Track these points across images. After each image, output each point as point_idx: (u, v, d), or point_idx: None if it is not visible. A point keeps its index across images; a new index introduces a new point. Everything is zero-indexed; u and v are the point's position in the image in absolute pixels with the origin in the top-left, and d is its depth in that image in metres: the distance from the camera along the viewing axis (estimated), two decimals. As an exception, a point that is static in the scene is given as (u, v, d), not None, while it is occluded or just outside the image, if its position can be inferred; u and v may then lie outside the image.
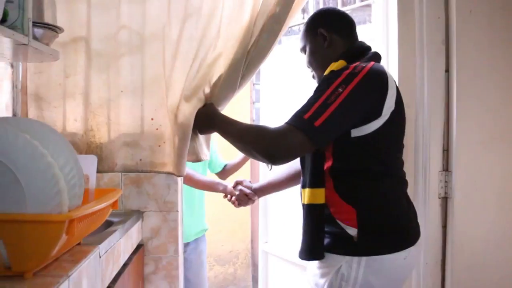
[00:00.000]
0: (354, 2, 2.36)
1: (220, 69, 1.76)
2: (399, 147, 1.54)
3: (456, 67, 1.93)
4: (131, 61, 1.80)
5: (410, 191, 1.59)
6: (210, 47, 1.75)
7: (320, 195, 1.46)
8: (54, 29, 1.47)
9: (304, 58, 1.67)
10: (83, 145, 1.84)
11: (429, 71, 1.96)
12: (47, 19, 1.45)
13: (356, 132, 1.40)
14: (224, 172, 2.96)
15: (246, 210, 4.38)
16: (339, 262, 1.42)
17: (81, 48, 1.80)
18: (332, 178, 1.45)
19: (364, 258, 1.39)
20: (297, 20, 3.00)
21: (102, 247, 1.34)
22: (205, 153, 1.85)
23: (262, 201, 3.26)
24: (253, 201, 2.27)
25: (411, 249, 1.46)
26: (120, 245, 1.57)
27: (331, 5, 2.60)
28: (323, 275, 1.47)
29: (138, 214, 1.89)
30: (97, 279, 1.28)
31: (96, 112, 1.84)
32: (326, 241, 1.47)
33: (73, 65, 1.81)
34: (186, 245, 2.71)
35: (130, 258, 1.75)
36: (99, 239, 1.37)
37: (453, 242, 1.94)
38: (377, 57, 1.56)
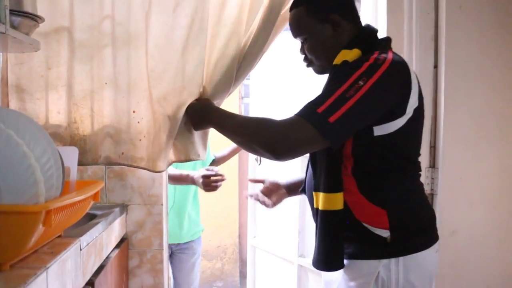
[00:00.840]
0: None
1: (212, 61, 1.71)
2: (420, 143, 1.44)
3: (445, 63, 1.92)
4: (115, 52, 1.76)
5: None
6: (200, 35, 1.71)
7: (337, 201, 1.32)
8: (34, 18, 1.43)
9: (296, 46, 1.52)
10: (67, 138, 1.81)
11: (417, 67, 1.95)
12: (27, 8, 1.41)
13: (378, 131, 1.28)
14: (213, 165, 2.87)
15: (233, 205, 4.37)
16: (375, 268, 1.31)
17: (63, 38, 1.76)
18: (356, 180, 1.33)
19: (401, 259, 1.30)
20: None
21: (84, 239, 1.32)
22: (198, 153, 1.77)
23: (249, 199, 3.24)
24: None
25: (439, 241, 1.41)
26: (103, 238, 1.55)
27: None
28: (361, 287, 1.34)
29: (122, 207, 1.87)
30: (78, 271, 1.26)
31: (79, 104, 1.80)
32: (351, 248, 1.35)
33: (56, 56, 1.76)
34: (177, 245, 2.67)
35: (113, 252, 1.73)
36: (80, 232, 1.35)
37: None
38: (390, 43, 1.43)
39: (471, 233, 1.96)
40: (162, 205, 1.90)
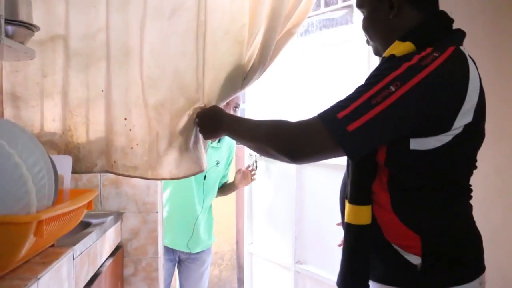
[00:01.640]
0: (337, 3, 2.36)
1: (214, 67, 1.70)
2: (474, 160, 1.24)
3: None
4: (109, 59, 1.75)
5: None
6: (197, 42, 1.71)
7: (364, 214, 1.16)
8: (29, 27, 1.44)
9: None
10: (61, 145, 1.81)
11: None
12: (22, 17, 1.41)
13: (415, 145, 1.09)
14: (220, 189, 2.79)
15: (231, 212, 4.36)
16: None
17: (59, 46, 1.76)
18: (390, 195, 1.15)
19: None
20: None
21: (77, 248, 1.32)
22: (205, 162, 1.77)
23: (247, 202, 3.25)
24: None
25: (485, 273, 1.21)
26: (97, 246, 1.54)
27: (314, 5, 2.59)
28: None
29: (117, 215, 1.87)
30: (71, 281, 1.26)
31: (74, 112, 1.80)
32: (377, 269, 1.18)
33: (51, 64, 1.77)
34: (187, 254, 2.63)
35: (108, 260, 1.72)
36: (74, 241, 1.35)
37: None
38: (460, 37, 1.22)
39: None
40: (157, 212, 1.90)
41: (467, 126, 1.10)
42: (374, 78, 1.08)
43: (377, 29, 1.25)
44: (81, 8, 1.76)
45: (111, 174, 1.81)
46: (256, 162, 2.97)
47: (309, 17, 2.57)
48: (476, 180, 1.95)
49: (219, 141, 2.64)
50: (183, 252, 2.60)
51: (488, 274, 1.96)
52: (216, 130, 1.52)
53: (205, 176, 2.57)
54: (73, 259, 1.28)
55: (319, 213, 2.54)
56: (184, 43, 1.71)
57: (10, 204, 0.93)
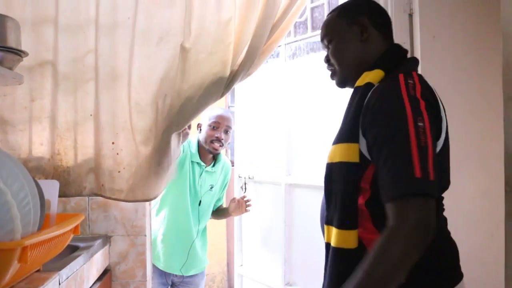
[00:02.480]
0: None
1: (201, 85, 1.76)
2: (448, 177, 1.30)
3: (421, 91, 1.96)
4: (98, 84, 1.79)
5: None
6: (184, 66, 1.75)
7: (351, 238, 1.16)
8: (17, 52, 1.46)
9: (322, 52, 1.38)
10: (50, 169, 1.82)
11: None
12: (11, 43, 1.44)
13: None
14: (214, 212, 2.80)
15: (222, 233, 4.35)
16: None
17: (47, 71, 1.78)
18: (371, 215, 1.16)
19: None
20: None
21: (63, 273, 1.32)
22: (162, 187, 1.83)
23: (237, 224, 3.25)
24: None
25: (463, 280, 1.25)
26: (84, 270, 1.54)
27: (301, 28, 2.64)
28: None
29: (105, 238, 1.86)
30: (57, 306, 1.25)
31: (63, 136, 1.82)
32: None
33: (40, 89, 1.79)
34: (181, 277, 2.61)
35: (95, 284, 1.72)
36: (60, 265, 1.35)
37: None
38: (416, 63, 1.31)
39: (460, 247, 1.97)
40: (145, 235, 1.90)
41: (444, 144, 1.18)
42: (396, 120, 1.08)
43: (349, 51, 1.29)
44: (70, 33, 1.79)
45: (100, 197, 1.83)
46: (245, 184, 2.98)
47: (296, 41, 2.62)
48: (463, 202, 1.99)
49: (213, 165, 2.64)
50: (176, 275, 2.58)
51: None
52: None
53: (200, 201, 2.57)
54: (59, 284, 1.28)
55: (308, 235, 2.54)
56: (170, 68, 1.75)
57: (-5, 230, 0.94)
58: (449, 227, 1.89)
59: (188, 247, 2.55)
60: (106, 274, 1.86)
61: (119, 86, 1.78)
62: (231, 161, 3.03)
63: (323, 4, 2.44)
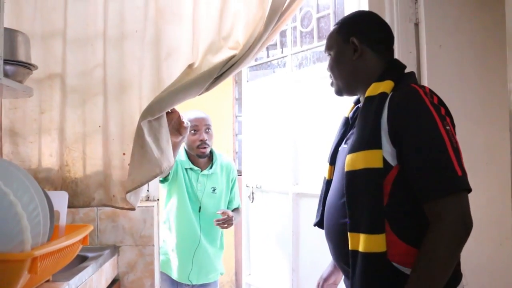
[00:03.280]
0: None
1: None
2: None
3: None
4: (107, 96, 1.81)
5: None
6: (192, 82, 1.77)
7: (382, 242, 1.20)
8: (27, 66, 1.49)
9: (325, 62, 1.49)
10: (58, 180, 1.84)
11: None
12: (21, 56, 1.46)
13: None
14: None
15: (230, 242, 4.35)
16: None
17: (56, 84, 1.81)
18: (388, 219, 1.22)
19: None
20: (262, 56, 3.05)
21: (72, 283, 1.33)
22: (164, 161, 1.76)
23: (244, 233, 3.25)
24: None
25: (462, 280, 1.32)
26: (93, 281, 1.55)
27: (307, 38, 2.65)
28: None
29: (113, 248, 1.88)
30: (66, 317, 1.26)
31: (71, 147, 1.84)
32: None
33: (49, 101, 1.82)
34: (191, 286, 2.60)
35: (104, 294, 1.73)
36: (69, 275, 1.36)
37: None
38: (415, 78, 1.42)
39: (462, 266, 1.96)
40: (153, 245, 1.91)
41: None
42: (429, 124, 1.19)
43: (341, 69, 1.41)
44: (78, 46, 1.82)
45: (108, 207, 1.84)
46: (253, 193, 2.99)
47: (302, 51, 2.64)
48: (471, 210, 1.98)
49: (210, 167, 2.63)
50: (187, 285, 2.58)
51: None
52: None
53: (199, 208, 2.57)
54: (68, 294, 1.29)
55: (315, 244, 2.54)
56: (179, 83, 1.77)
57: (5, 241, 0.96)
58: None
59: (192, 254, 2.55)
60: (114, 284, 1.87)
61: (128, 97, 1.81)
62: (238, 170, 3.04)
63: (329, 14, 2.46)
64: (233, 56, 1.73)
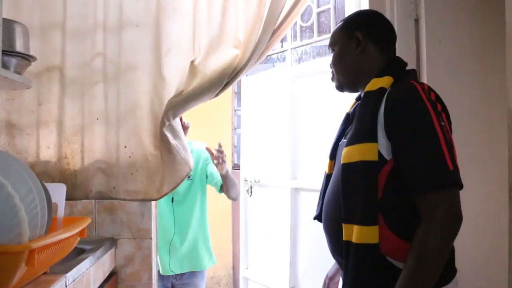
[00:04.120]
0: (330, 31, 2.41)
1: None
2: None
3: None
4: (106, 88, 1.81)
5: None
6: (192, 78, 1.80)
7: (375, 234, 1.22)
8: (26, 57, 1.48)
9: (328, 57, 1.50)
10: (57, 173, 1.84)
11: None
12: (19, 48, 1.46)
13: None
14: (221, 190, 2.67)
15: (227, 236, 4.36)
16: None
17: (55, 76, 1.81)
18: (382, 212, 1.23)
19: None
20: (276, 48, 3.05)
21: (70, 275, 1.33)
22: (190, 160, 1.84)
23: (242, 227, 3.25)
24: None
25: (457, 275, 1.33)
26: (90, 273, 1.55)
27: (307, 33, 2.65)
28: None
29: (111, 241, 1.88)
30: (63, 309, 1.27)
31: (70, 139, 1.84)
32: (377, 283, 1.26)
33: (47, 93, 1.81)
34: (179, 276, 2.59)
35: (102, 286, 1.73)
36: (66, 268, 1.36)
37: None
38: (416, 75, 1.45)
39: (459, 261, 1.97)
40: (151, 239, 1.91)
41: None
42: (424, 119, 1.20)
43: (344, 63, 1.43)
44: (78, 38, 1.82)
45: (107, 200, 1.85)
46: (251, 187, 2.99)
47: (302, 45, 2.63)
48: (467, 206, 1.98)
49: None
50: (174, 277, 2.59)
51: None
52: None
53: (172, 198, 2.52)
54: (66, 286, 1.29)
55: (313, 239, 2.55)
56: (179, 77, 1.79)
57: (2, 233, 0.95)
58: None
59: (168, 244, 2.54)
60: (112, 276, 1.87)
61: (128, 91, 1.81)
62: (236, 164, 3.02)
63: (329, 9, 2.45)
64: (236, 57, 1.74)
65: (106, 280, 1.79)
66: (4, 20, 1.35)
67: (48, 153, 1.84)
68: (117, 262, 1.92)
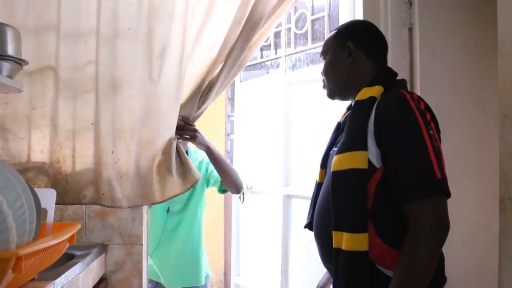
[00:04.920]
0: (323, 39, 2.39)
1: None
2: None
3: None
4: (98, 94, 1.80)
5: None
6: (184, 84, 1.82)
7: (364, 241, 1.23)
8: (18, 61, 1.47)
9: (320, 65, 1.53)
10: (49, 177, 1.82)
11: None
12: (11, 51, 1.45)
13: None
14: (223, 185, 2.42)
15: (219, 242, 4.35)
16: None
17: (48, 80, 1.80)
18: (372, 219, 1.24)
19: None
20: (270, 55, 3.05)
21: (58, 282, 1.32)
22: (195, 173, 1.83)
23: (234, 233, 3.24)
24: None
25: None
26: (79, 279, 1.54)
27: (301, 40, 2.65)
28: None
29: (101, 247, 1.86)
30: (51, 316, 1.25)
31: (63, 144, 1.83)
32: None
33: (40, 97, 1.80)
34: None
35: (91, 293, 1.72)
36: (55, 274, 1.35)
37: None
38: (406, 85, 1.46)
39: (450, 271, 1.97)
40: (141, 245, 1.90)
41: None
42: (413, 128, 1.22)
43: (335, 72, 1.46)
44: (72, 42, 1.80)
45: (98, 206, 1.83)
46: (243, 194, 2.99)
47: (296, 52, 2.64)
48: (458, 214, 1.98)
49: None
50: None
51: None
52: None
53: (168, 209, 2.38)
54: (54, 293, 1.28)
55: (305, 245, 2.54)
56: (169, 82, 1.78)
57: (-11, 240, 0.94)
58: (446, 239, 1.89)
59: (151, 254, 2.35)
60: (102, 282, 1.85)
61: (119, 96, 1.79)
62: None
63: (323, 16, 2.46)
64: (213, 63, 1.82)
65: (95, 286, 1.78)
66: (-4, 23, 1.35)
67: (41, 157, 1.83)
68: (107, 268, 1.91)
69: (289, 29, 2.68)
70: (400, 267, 1.17)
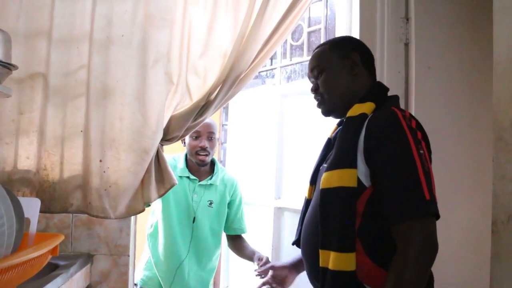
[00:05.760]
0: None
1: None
2: None
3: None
4: (89, 101, 1.77)
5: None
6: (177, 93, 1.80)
7: (352, 261, 1.21)
8: (6, 66, 1.44)
9: (308, 82, 1.47)
10: (35, 184, 1.78)
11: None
12: (0, 56, 1.42)
13: None
14: (235, 240, 2.52)
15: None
16: None
17: (38, 85, 1.76)
18: (361, 240, 1.22)
19: None
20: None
21: (39, 295, 1.28)
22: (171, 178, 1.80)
23: (223, 245, 3.21)
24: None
25: None
26: (62, 291, 1.50)
27: (297, 52, 2.64)
28: None
29: (87, 257, 1.83)
30: (30, 330, 1.22)
31: (51, 151, 1.79)
32: None
33: (29, 102, 1.76)
34: None
35: (74, 304, 1.68)
36: (36, 286, 1.31)
37: None
38: (398, 101, 1.43)
39: (447, 279, 1.94)
40: (128, 256, 1.86)
41: None
42: (403, 147, 1.19)
43: (339, 83, 1.39)
44: (63, 47, 1.78)
45: (85, 214, 1.79)
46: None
47: (292, 64, 2.62)
48: (450, 234, 1.96)
49: (210, 177, 2.38)
50: None
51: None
52: None
53: (194, 218, 2.33)
54: (33, 306, 1.24)
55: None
56: (164, 92, 1.76)
57: (-35, 253, 0.91)
58: (437, 259, 1.87)
59: (176, 267, 2.31)
60: (86, 293, 1.82)
61: (110, 103, 1.76)
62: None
63: (320, 29, 2.44)
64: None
65: (80, 297, 1.74)
66: (-16, 27, 1.32)
67: (27, 163, 1.79)
68: (93, 278, 1.87)
69: (285, 41, 2.66)
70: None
